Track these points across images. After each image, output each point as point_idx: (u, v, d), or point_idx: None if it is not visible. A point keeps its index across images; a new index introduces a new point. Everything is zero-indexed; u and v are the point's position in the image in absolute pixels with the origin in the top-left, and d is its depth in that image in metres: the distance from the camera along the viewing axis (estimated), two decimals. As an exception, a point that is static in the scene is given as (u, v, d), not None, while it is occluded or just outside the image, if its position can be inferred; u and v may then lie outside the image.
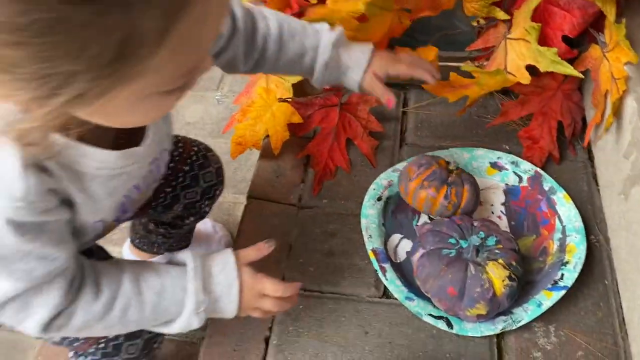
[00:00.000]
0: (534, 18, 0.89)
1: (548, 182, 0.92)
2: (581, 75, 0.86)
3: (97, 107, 0.46)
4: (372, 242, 0.88)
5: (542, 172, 0.94)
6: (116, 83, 0.43)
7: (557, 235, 0.87)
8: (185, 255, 0.69)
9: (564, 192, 0.91)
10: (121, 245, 1.15)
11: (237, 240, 0.98)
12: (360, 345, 0.83)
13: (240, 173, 1.35)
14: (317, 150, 1.05)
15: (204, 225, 1.21)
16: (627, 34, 0.84)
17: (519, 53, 0.90)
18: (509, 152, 1.01)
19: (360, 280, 0.89)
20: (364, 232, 0.89)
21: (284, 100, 1.04)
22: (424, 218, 0.94)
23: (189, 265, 0.67)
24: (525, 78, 0.86)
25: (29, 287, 0.59)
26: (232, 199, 1.30)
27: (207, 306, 0.67)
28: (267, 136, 1.05)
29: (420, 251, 0.82)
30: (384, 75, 0.83)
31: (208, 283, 0.67)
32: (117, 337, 0.75)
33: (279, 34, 0.82)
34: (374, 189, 0.94)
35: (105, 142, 0.59)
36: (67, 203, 0.59)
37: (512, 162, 0.96)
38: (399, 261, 0.89)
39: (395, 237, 0.91)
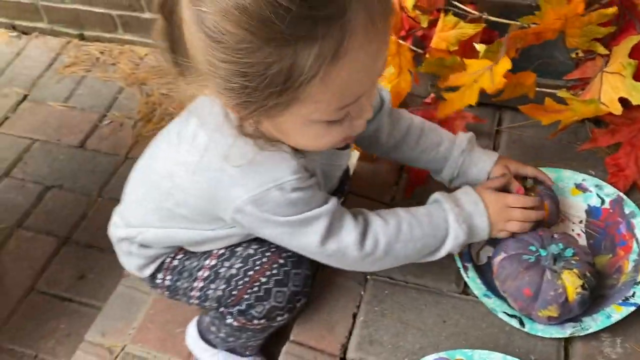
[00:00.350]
0: (631, 55, 0.96)
1: (629, 207, 0.99)
2: (671, 111, 0.92)
3: (277, 123, 0.69)
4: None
5: (624, 196, 1.00)
6: (286, 104, 0.63)
7: (633, 256, 0.93)
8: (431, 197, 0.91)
9: (644, 217, 0.97)
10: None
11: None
12: (437, 332, 0.92)
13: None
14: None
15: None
16: None
17: (613, 86, 0.97)
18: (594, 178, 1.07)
19: (442, 276, 0.99)
20: None
21: (388, 109, 1.16)
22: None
23: (436, 195, 0.89)
24: (617, 109, 0.93)
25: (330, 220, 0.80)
26: None
27: (465, 220, 0.85)
28: (369, 140, 1.17)
29: (502, 254, 0.91)
30: (514, 170, 0.96)
31: (458, 203, 0.86)
32: (266, 283, 0.89)
33: (421, 124, 1.00)
34: None
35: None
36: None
37: (596, 185, 1.03)
38: (480, 264, 0.98)
39: (480, 242, 1.00)
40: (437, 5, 1.09)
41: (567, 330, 0.87)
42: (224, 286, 0.90)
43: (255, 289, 0.88)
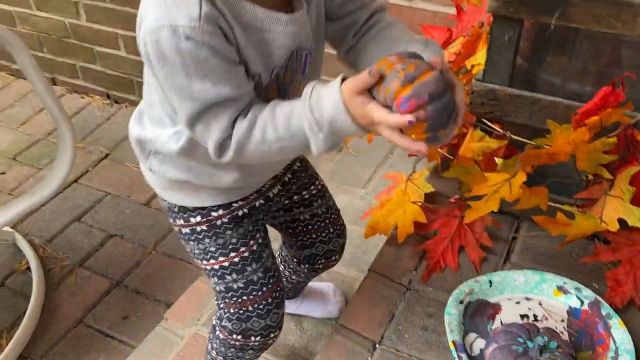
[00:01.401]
0: (631, 182, 1.10)
1: (606, 309, 1.09)
2: (660, 235, 1.04)
3: None
4: (452, 334, 1.08)
5: (600, 299, 1.11)
6: None
7: (611, 353, 1.02)
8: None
9: (619, 319, 1.07)
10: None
11: (355, 299, 1.23)
12: (430, 403, 1.02)
13: (365, 257, 1.61)
14: (433, 248, 1.29)
15: (327, 287, 1.49)
16: None
17: (614, 207, 1.10)
18: (596, 290, 1.18)
19: (443, 356, 1.09)
20: (446, 326, 1.09)
21: (416, 203, 1.32)
22: (497, 324, 1.12)
23: (306, 89, 0.77)
24: (613, 227, 1.05)
25: (205, 108, 0.75)
26: (355, 275, 1.56)
27: (322, 127, 0.75)
28: (396, 227, 1.32)
29: (494, 345, 1.02)
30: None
31: (317, 106, 0.75)
32: (250, 312, 1.04)
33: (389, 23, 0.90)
34: (457, 293, 1.15)
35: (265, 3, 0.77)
36: (235, 48, 0.76)
37: (576, 288, 1.14)
38: (474, 355, 1.08)
39: (472, 335, 1.11)
40: (468, 120, 1.26)
41: (551, 422, 0.96)
42: (222, 289, 1.05)
43: (241, 312, 1.04)
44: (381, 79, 0.72)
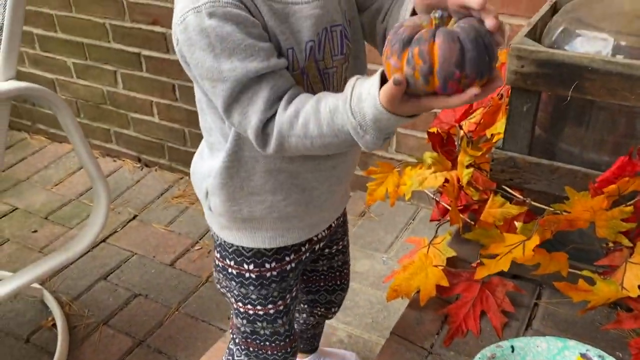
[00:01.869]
0: (651, 250, 1.11)
1: None
2: (682, 302, 1.04)
3: None
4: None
5: None
6: None
7: None
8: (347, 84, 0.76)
9: (646, 388, 1.05)
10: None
11: (375, 362, 1.24)
12: None
13: (387, 322, 1.62)
14: (455, 313, 1.30)
15: (350, 355, 1.50)
16: None
17: (635, 274, 1.12)
18: (620, 358, 1.17)
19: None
20: None
21: (438, 266, 1.34)
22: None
23: (344, 95, 0.74)
24: (634, 293, 1.06)
25: (237, 88, 0.74)
26: (377, 340, 1.57)
27: (369, 127, 0.72)
28: (418, 291, 1.34)
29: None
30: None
31: (359, 108, 0.72)
32: (266, 358, 1.08)
33: None
34: (479, 358, 1.15)
35: None
36: (262, 22, 0.75)
37: (599, 356, 1.13)
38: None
39: None
40: (489, 187, 1.30)
41: None
42: (247, 331, 1.09)
43: (260, 352, 1.10)
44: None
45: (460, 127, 1.42)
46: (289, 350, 1.11)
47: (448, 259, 1.37)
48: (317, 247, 1.12)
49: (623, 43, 1.14)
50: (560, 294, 1.29)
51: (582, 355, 1.16)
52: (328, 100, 0.76)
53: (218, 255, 1.07)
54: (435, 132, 1.40)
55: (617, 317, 1.18)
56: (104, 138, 2.77)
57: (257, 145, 0.80)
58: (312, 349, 1.43)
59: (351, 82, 0.75)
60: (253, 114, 0.77)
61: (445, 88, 0.66)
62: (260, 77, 0.76)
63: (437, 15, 0.67)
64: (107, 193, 1.54)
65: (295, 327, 1.36)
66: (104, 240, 2.23)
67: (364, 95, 0.72)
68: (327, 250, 1.17)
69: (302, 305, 1.30)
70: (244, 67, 0.75)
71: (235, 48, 0.74)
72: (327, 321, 1.61)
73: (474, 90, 0.66)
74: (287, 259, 1.05)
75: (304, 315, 1.32)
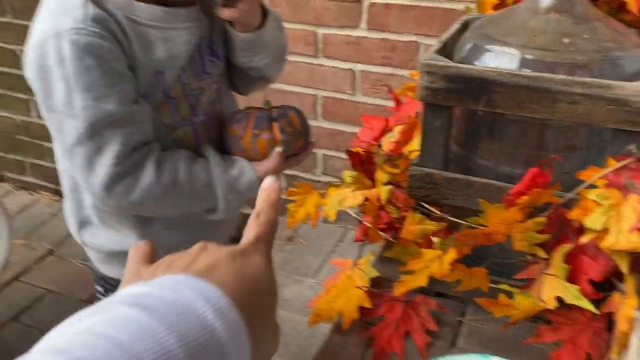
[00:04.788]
0: (567, 260, 1.11)
1: None
2: (596, 311, 1.04)
3: None
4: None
5: None
6: None
7: None
8: (210, 162, 0.83)
9: (566, 401, 1.04)
10: None
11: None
12: None
13: (314, 349, 1.57)
14: (379, 335, 1.26)
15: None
16: (640, 286, 1.04)
17: (551, 286, 1.11)
18: (543, 372, 1.16)
19: None
20: None
21: (361, 288, 1.30)
22: (453, 406, 1.09)
23: (213, 173, 0.83)
24: (551, 305, 1.06)
25: (91, 128, 0.70)
26: None
27: (235, 197, 0.82)
28: (342, 314, 1.29)
29: None
30: None
31: (233, 185, 0.84)
32: None
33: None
34: None
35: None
36: (124, 51, 0.72)
37: None
38: None
39: None
40: (408, 204, 1.29)
41: None
42: None
43: None
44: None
45: (379, 146, 1.40)
46: None
47: (373, 280, 1.33)
48: None
49: (529, 57, 1.16)
50: (484, 311, 1.28)
51: (505, 371, 1.14)
52: (198, 176, 0.83)
53: (100, 289, 1.00)
54: (355, 151, 1.38)
55: (537, 331, 1.17)
56: (18, 170, 2.63)
57: (96, 198, 0.77)
58: None
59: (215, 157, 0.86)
60: (101, 166, 0.73)
61: (305, 146, 0.94)
62: (115, 122, 0.70)
63: (268, 102, 0.95)
64: (8, 227, 1.44)
65: None
66: (15, 278, 2.08)
67: (236, 178, 0.87)
68: None
69: None
70: (98, 107, 0.70)
71: (92, 84, 0.69)
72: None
73: (312, 146, 0.94)
74: None
75: None
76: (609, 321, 1.18)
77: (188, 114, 0.82)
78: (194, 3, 0.82)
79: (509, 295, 1.17)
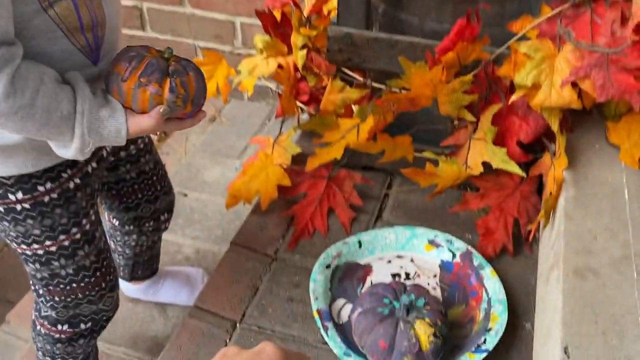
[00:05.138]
0: (494, 122, 1.03)
1: (477, 259, 1.03)
2: (523, 174, 0.98)
3: None
4: (317, 303, 0.98)
5: (472, 249, 1.04)
6: None
7: (484, 305, 0.96)
8: (78, 94, 0.73)
9: (491, 268, 1.01)
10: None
11: (213, 276, 1.10)
12: (295, 381, 0.91)
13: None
14: (301, 213, 1.18)
15: (195, 272, 1.36)
16: (571, 144, 0.97)
17: (478, 150, 1.04)
18: (470, 240, 1.11)
19: (309, 327, 0.99)
20: (311, 295, 0.99)
21: (281, 166, 1.20)
22: (367, 286, 1.03)
23: (78, 107, 0.73)
24: (477, 170, 0.99)
25: None
26: (217, 250, 1.43)
27: (91, 140, 0.74)
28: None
29: (358, 309, 0.92)
30: None
31: (96, 126, 0.74)
32: (81, 299, 0.94)
33: None
34: (324, 258, 1.05)
35: None
36: None
37: (447, 240, 1.07)
38: (341, 322, 0.98)
39: (340, 302, 1.01)
40: (329, 70, 1.15)
41: (425, 384, 0.88)
42: (46, 276, 0.91)
43: (69, 299, 0.93)
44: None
45: (296, 5, 1.23)
46: (103, 285, 0.95)
47: (295, 157, 1.23)
48: (102, 152, 0.93)
49: None
50: (410, 182, 1.21)
51: (430, 241, 1.09)
52: (61, 104, 0.72)
53: None
54: (267, 11, 1.21)
55: (463, 199, 1.11)
56: None
57: None
58: (152, 272, 1.27)
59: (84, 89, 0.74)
60: None
61: (193, 113, 0.81)
62: None
63: (170, 51, 0.79)
64: None
65: (127, 252, 1.19)
66: None
67: (103, 114, 0.75)
68: (123, 153, 0.98)
69: (127, 227, 1.13)
70: None
71: None
72: (171, 238, 1.46)
73: (202, 115, 0.83)
74: (65, 175, 0.85)
75: (134, 236, 1.15)
76: (539, 185, 1.13)
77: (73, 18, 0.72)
78: None
79: (435, 163, 1.09)
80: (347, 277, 1.05)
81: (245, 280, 1.08)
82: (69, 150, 0.76)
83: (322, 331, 0.94)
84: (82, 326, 0.96)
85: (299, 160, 1.23)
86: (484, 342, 0.90)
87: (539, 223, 1.03)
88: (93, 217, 0.91)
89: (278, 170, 1.19)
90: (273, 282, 1.07)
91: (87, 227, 0.91)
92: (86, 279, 0.92)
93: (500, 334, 0.91)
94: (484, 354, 0.89)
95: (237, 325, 1.00)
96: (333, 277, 1.04)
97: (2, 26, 0.66)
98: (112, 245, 1.16)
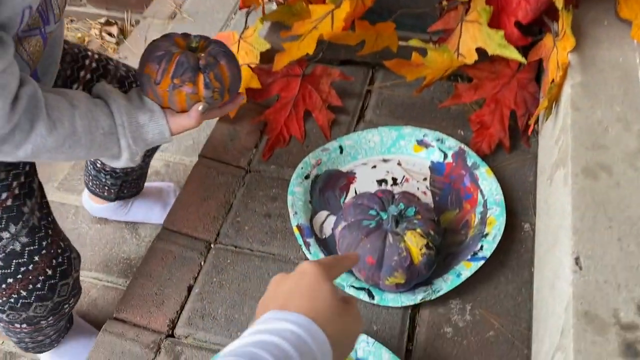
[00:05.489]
0: (489, 1, 0.89)
1: (471, 158, 0.94)
2: (523, 60, 0.86)
3: None
4: (297, 218, 0.89)
5: (466, 148, 0.95)
6: None
7: (479, 208, 0.88)
8: (113, 107, 0.71)
9: (487, 167, 0.92)
10: (81, 194, 1.20)
11: (182, 194, 1.00)
12: (277, 303, 0.84)
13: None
14: (274, 118, 1.07)
15: (167, 187, 1.25)
16: (577, 21, 0.84)
17: (471, 35, 0.91)
18: (463, 138, 1.01)
19: (290, 244, 0.90)
20: (289, 209, 0.90)
21: (248, 65, 1.06)
22: (351, 195, 0.94)
23: (117, 120, 0.71)
24: (471, 58, 0.86)
25: None
26: (189, 163, 1.32)
27: (140, 147, 0.73)
28: (227, 99, 1.07)
29: (342, 224, 0.83)
30: None
31: (139, 134, 0.72)
32: (26, 297, 0.78)
33: None
34: (302, 168, 0.95)
35: None
36: None
37: (438, 139, 0.97)
38: (324, 237, 0.90)
39: (322, 214, 0.92)
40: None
41: (418, 296, 0.81)
42: None
43: (12, 300, 0.77)
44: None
45: None
46: (50, 272, 0.79)
47: (264, 55, 1.09)
48: None
49: None
50: (395, 75, 1.08)
51: (419, 142, 0.98)
52: (99, 120, 0.70)
53: None
54: None
55: (455, 91, 1.00)
56: None
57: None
58: (137, 191, 1.16)
59: (119, 101, 0.72)
60: None
61: (232, 99, 0.79)
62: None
63: (197, 39, 0.76)
64: None
65: (118, 170, 1.04)
66: None
67: (143, 121, 0.72)
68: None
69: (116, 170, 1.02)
70: None
71: None
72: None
73: (241, 97, 0.81)
74: None
75: (120, 174, 1.04)
76: (538, 71, 1.01)
77: (37, 22, 0.67)
78: None
79: (422, 52, 0.96)
80: (329, 187, 0.95)
81: (218, 197, 0.98)
82: (120, 160, 0.75)
83: (303, 248, 0.86)
84: (44, 323, 0.84)
85: (268, 58, 1.09)
86: (481, 248, 0.83)
87: (539, 115, 0.93)
88: (17, 191, 0.74)
89: (245, 71, 1.05)
90: (248, 196, 0.97)
91: (9, 202, 0.74)
92: (22, 269, 0.76)
93: (498, 239, 0.84)
94: (481, 262, 0.81)
95: (212, 246, 0.92)
96: (313, 188, 0.94)
97: (15, 67, 0.62)
98: (99, 164, 1.03)
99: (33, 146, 0.65)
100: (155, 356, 0.80)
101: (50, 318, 0.83)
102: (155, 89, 0.73)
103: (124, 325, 0.83)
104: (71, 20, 1.96)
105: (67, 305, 0.84)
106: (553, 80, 0.85)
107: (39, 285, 0.77)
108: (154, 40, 0.76)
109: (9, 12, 0.60)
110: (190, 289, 0.87)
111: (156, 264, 0.89)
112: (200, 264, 0.90)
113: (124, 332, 0.82)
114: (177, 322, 0.83)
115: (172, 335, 0.82)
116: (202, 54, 0.75)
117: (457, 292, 0.82)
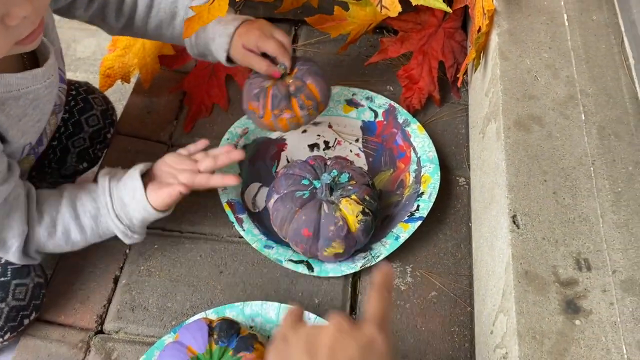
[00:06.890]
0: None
1: (402, 115, 0.91)
2: (448, 9, 0.82)
3: None
4: (226, 194, 0.84)
5: (396, 105, 0.92)
6: None
7: (413, 167, 0.86)
8: (99, 186, 0.73)
9: (418, 124, 0.89)
10: None
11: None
12: (212, 285, 0.80)
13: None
14: (193, 86, 1.00)
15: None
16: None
17: (394, -15, 0.86)
18: (392, 94, 0.98)
19: (221, 221, 0.85)
20: None
21: (157, 31, 0.98)
22: (283, 164, 0.90)
23: (103, 201, 0.73)
24: (394, 10, 0.82)
25: None
26: None
27: (137, 227, 0.74)
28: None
29: (275, 196, 0.79)
30: (255, 48, 0.81)
31: (124, 212, 0.73)
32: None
33: None
34: (227, 138, 0.90)
35: (10, 69, 0.64)
36: None
37: (367, 98, 0.94)
38: (258, 210, 0.86)
39: (254, 187, 0.88)
40: None
41: (358, 264, 0.78)
42: None
43: None
44: None
45: None
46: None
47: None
48: None
49: None
50: (318, 32, 1.03)
51: (348, 101, 0.94)
52: (85, 205, 0.73)
53: None
54: None
55: (380, 46, 0.95)
56: None
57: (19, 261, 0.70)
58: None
59: (104, 183, 0.73)
60: (12, 238, 0.68)
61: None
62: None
63: (283, 66, 0.82)
64: None
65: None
66: None
67: (127, 200, 0.73)
68: None
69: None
70: None
71: None
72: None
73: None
74: None
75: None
76: (465, 18, 0.98)
77: (33, 144, 0.72)
78: (46, 58, 0.68)
79: (344, 7, 0.91)
80: (259, 156, 0.91)
81: (139, 176, 0.91)
82: (132, 237, 0.75)
83: (236, 225, 0.81)
84: (26, 321, 0.75)
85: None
86: (417, 208, 0.80)
87: (467, 66, 0.90)
88: None
89: (157, 38, 0.97)
90: (172, 173, 0.91)
91: None
92: None
93: (434, 197, 0.82)
94: (418, 222, 0.79)
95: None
96: (241, 160, 0.89)
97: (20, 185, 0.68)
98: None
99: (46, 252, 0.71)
100: (85, 356, 0.75)
101: (8, 334, 0.74)
102: (262, 122, 0.82)
103: (47, 327, 0.77)
104: None
105: (27, 314, 0.75)
106: (480, 29, 0.82)
107: None
108: (248, 78, 0.85)
109: (12, 149, 0.67)
110: (116, 280, 0.81)
111: (76, 256, 0.82)
112: (125, 252, 0.84)
113: (48, 334, 0.76)
114: (105, 317, 0.78)
115: (101, 332, 0.77)
116: (291, 80, 0.82)
117: (397, 255, 0.80)
